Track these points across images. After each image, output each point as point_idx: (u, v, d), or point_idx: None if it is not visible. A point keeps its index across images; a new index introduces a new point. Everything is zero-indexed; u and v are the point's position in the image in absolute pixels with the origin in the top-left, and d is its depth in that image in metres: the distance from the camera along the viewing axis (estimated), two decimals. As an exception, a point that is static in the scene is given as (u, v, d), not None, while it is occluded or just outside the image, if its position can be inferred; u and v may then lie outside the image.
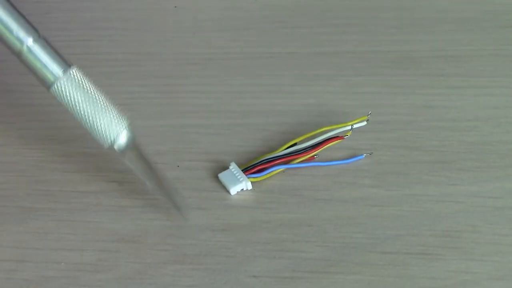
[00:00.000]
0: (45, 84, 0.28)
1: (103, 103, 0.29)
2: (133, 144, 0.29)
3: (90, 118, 0.28)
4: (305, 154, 0.33)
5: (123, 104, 0.38)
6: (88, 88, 0.28)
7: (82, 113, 0.29)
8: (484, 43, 0.43)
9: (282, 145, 0.34)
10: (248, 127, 0.36)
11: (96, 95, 0.29)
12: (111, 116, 0.29)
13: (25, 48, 0.28)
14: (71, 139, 0.36)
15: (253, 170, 0.33)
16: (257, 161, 0.33)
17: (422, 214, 0.31)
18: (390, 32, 0.44)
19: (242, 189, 0.32)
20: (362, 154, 0.34)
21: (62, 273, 0.29)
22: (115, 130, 0.29)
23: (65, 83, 0.28)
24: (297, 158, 0.33)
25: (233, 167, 0.33)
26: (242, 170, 0.33)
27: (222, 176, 0.33)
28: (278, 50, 0.42)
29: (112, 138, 0.29)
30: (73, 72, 0.28)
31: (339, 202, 0.32)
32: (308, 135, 0.34)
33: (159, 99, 0.39)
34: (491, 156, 0.34)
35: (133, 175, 0.34)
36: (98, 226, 0.31)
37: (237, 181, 0.32)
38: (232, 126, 0.36)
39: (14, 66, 0.41)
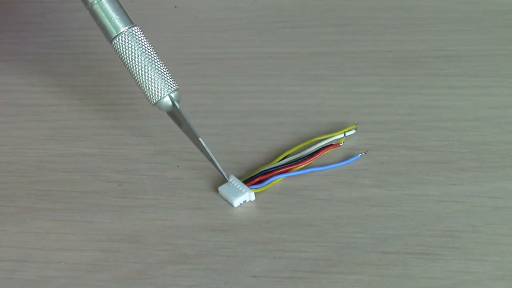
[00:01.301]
0: (109, 36, 0.31)
1: (158, 64, 0.32)
2: (177, 107, 0.32)
3: (144, 74, 0.31)
4: (302, 163, 0.33)
5: (123, 104, 0.39)
6: (147, 47, 0.32)
7: (138, 68, 0.31)
8: (484, 43, 0.43)
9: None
10: (248, 127, 0.36)
11: (153, 55, 0.32)
12: (162, 76, 0.32)
13: (96, 1, 0.31)
14: (71, 139, 0.36)
15: (253, 182, 0.32)
16: (256, 173, 0.33)
17: (422, 214, 0.31)
18: (390, 32, 0.44)
19: (245, 201, 0.32)
20: (357, 154, 0.34)
21: (62, 273, 0.29)
22: (164, 90, 0.32)
23: (127, 37, 0.31)
24: (295, 167, 0.33)
25: (233, 179, 0.32)
26: (242, 182, 0.32)
27: (223, 189, 0.32)
28: (278, 50, 0.43)
29: (159, 96, 0.32)
30: (135, 30, 0.31)
31: (339, 202, 0.32)
32: (300, 146, 0.34)
33: (159, 99, 0.39)
34: (491, 156, 0.34)
35: (133, 175, 0.34)
36: (98, 226, 0.31)
37: (239, 192, 0.32)
38: (232, 126, 0.36)
39: (14, 66, 0.41)
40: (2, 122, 0.37)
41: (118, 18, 0.31)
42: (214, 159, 0.32)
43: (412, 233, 0.30)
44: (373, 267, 0.29)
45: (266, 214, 0.31)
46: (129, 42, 0.31)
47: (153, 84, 0.32)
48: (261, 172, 0.33)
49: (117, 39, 0.31)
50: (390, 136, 0.35)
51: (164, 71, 0.32)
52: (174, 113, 0.32)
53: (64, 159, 0.35)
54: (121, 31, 0.31)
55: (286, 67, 0.41)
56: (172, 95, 0.32)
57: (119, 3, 0.32)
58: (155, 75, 0.31)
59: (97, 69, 0.41)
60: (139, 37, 0.32)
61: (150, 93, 0.32)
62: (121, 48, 0.31)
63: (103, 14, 0.31)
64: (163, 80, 0.32)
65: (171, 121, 0.37)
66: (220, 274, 0.29)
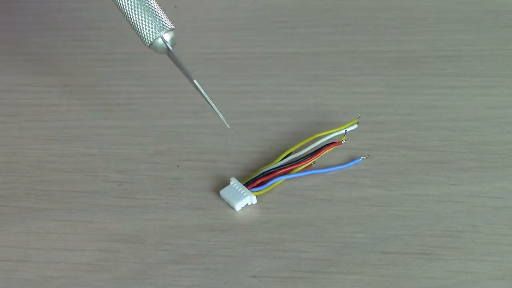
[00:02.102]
0: None
1: (151, 5, 0.31)
2: (172, 48, 0.31)
3: (137, 16, 0.31)
4: (304, 163, 0.33)
5: (123, 104, 0.39)
6: None
7: (131, 10, 0.31)
8: (484, 43, 0.43)
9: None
10: (248, 127, 0.36)
11: None
12: (156, 18, 0.31)
13: None
14: (71, 139, 0.36)
15: (254, 184, 0.32)
16: (257, 174, 0.33)
17: (422, 214, 0.31)
18: (390, 32, 0.44)
19: (247, 204, 0.32)
20: (359, 158, 0.34)
21: (62, 273, 0.29)
22: (157, 31, 0.31)
23: None
24: (296, 168, 0.33)
25: (234, 182, 0.32)
26: (243, 184, 0.32)
27: (224, 192, 0.32)
28: (278, 50, 0.43)
29: (153, 37, 0.31)
30: None
31: (339, 202, 0.32)
32: (302, 143, 0.34)
33: (159, 99, 0.39)
34: (491, 156, 0.34)
35: (133, 175, 0.34)
36: (98, 226, 0.31)
37: (241, 196, 0.32)
38: (232, 126, 0.36)
39: (14, 66, 0.41)
40: (2, 122, 0.37)
41: None
42: (211, 102, 0.31)
43: (412, 233, 0.30)
44: (373, 267, 0.29)
45: (266, 214, 0.31)
46: None
47: (146, 26, 0.31)
48: (262, 173, 0.33)
49: None
50: (390, 136, 0.35)
51: (158, 12, 0.31)
52: (170, 55, 0.32)
53: (64, 159, 0.35)
54: None
55: (286, 67, 0.41)
56: (166, 36, 0.31)
57: None
58: (148, 17, 0.31)
59: (97, 69, 0.41)
60: None
61: (144, 35, 0.31)
62: None
63: None
64: (156, 21, 0.31)
65: (171, 121, 0.37)
66: (220, 274, 0.29)
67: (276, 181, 0.32)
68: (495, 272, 0.29)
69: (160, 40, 0.31)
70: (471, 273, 0.29)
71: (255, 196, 0.32)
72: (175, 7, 0.47)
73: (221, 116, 0.32)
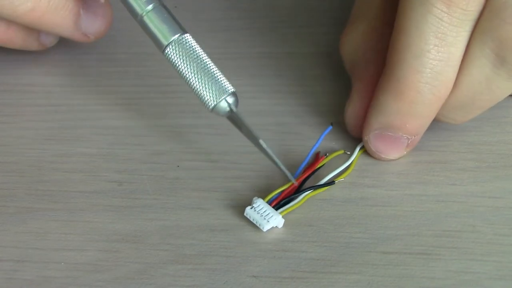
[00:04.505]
0: (160, 47, 0.32)
1: (211, 69, 0.31)
2: (235, 111, 0.32)
3: (198, 81, 0.31)
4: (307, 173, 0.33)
5: (123, 104, 0.39)
6: (199, 53, 0.31)
7: (191, 75, 0.31)
8: (484, 43, 0.43)
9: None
10: (248, 127, 0.36)
11: (205, 61, 0.32)
12: (216, 81, 0.31)
13: (144, 13, 0.31)
14: (71, 139, 0.36)
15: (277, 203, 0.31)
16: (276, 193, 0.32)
17: (422, 214, 0.31)
18: (390, 32, 0.44)
19: (274, 227, 0.31)
20: (329, 126, 0.34)
21: (62, 273, 0.29)
22: (219, 94, 0.31)
23: (177, 46, 0.31)
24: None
25: (259, 203, 0.31)
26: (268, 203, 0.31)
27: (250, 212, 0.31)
28: (278, 50, 0.42)
29: (215, 101, 0.31)
30: (185, 37, 0.31)
31: (339, 202, 0.32)
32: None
33: (159, 99, 0.39)
34: (491, 156, 0.34)
35: (133, 175, 0.34)
36: (98, 226, 0.31)
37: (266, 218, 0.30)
38: (232, 126, 0.36)
39: (15, 66, 0.41)
40: (2, 122, 0.37)
41: (167, 27, 0.31)
42: (278, 161, 0.31)
43: (412, 233, 0.30)
44: (373, 267, 0.29)
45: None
46: (180, 50, 0.31)
47: (207, 90, 0.31)
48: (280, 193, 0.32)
49: (168, 49, 0.31)
50: (390, 136, 0.35)
51: (218, 75, 0.31)
52: (232, 117, 0.32)
53: (64, 159, 0.35)
54: (171, 40, 0.31)
55: (285, 67, 0.41)
56: (229, 99, 0.31)
57: (168, 12, 0.32)
58: (209, 81, 0.31)
59: (97, 69, 0.41)
60: (189, 44, 0.31)
61: (206, 99, 0.31)
62: (173, 57, 0.31)
63: (152, 25, 0.31)
64: (217, 85, 0.31)
65: (171, 121, 0.37)
66: (220, 274, 0.29)
67: (302, 197, 0.32)
68: (495, 272, 0.29)
69: (223, 103, 0.31)
70: (471, 273, 0.29)
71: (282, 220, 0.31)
72: (175, 7, 0.47)
73: (289, 174, 0.31)
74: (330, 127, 0.35)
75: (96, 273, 0.29)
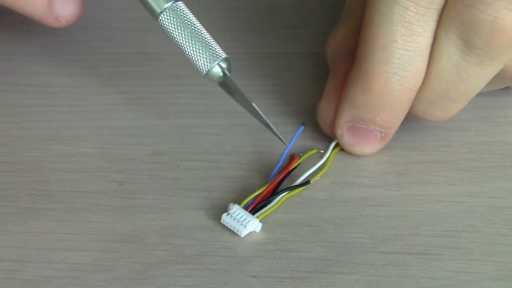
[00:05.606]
0: (153, 14, 0.32)
1: (204, 36, 0.32)
2: (228, 76, 0.32)
3: (191, 47, 0.32)
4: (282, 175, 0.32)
5: (123, 104, 0.38)
6: (191, 20, 0.32)
7: (184, 42, 0.32)
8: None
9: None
10: (248, 127, 0.36)
11: (198, 28, 0.32)
12: (209, 47, 0.32)
13: None
14: (71, 139, 0.36)
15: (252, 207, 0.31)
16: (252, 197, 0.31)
17: (422, 214, 0.31)
18: (390, 32, 0.44)
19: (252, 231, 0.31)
20: (301, 126, 0.35)
21: (62, 273, 0.29)
22: (211, 60, 0.32)
23: (170, 13, 0.32)
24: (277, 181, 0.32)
25: (235, 209, 0.31)
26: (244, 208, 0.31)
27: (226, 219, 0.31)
28: (278, 50, 0.42)
29: (208, 67, 0.32)
30: (178, 5, 0.32)
31: (339, 202, 0.32)
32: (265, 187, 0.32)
33: (159, 99, 0.39)
34: (491, 156, 0.34)
35: (133, 175, 0.34)
36: (98, 226, 0.31)
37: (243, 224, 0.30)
38: (232, 126, 0.36)
39: (15, 66, 0.41)
40: (2, 122, 0.37)
41: None
42: (271, 125, 0.32)
43: (412, 233, 0.30)
44: (373, 267, 0.29)
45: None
46: (173, 17, 0.32)
47: (200, 56, 0.32)
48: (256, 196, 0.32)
49: (162, 16, 0.32)
50: (390, 136, 0.35)
51: (211, 41, 0.32)
52: (225, 83, 0.32)
53: (64, 159, 0.35)
54: (165, 7, 0.32)
55: (285, 67, 0.41)
56: (222, 64, 0.32)
57: None
58: (202, 47, 0.32)
59: (97, 69, 0.41)
60: (182, 11, 0.32)
61: (199, 65, 0.32)
62: (166, 25, 0.32)
63: None
64: (210, 51, 0.32)
65: (171, 121, 0.37)
66: (220, 274, 0.29)
67: (278, 199, 0.31)
68: (495, 272, 0.29)
69: (216, 68, 0.32)
70: (471, 273, 0.29)
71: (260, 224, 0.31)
72: (175, 7, 0.47)
73: (281, 137, 0.33)
74: (302, 127, 0.35)
75: (96, 273, 0.29)
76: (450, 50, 0.30)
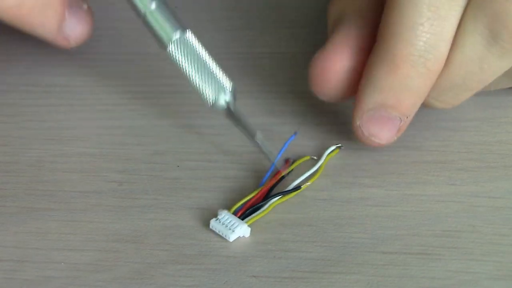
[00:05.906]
0: (162, 46, 0.32)
1: (211, 68, 0.32)
2: (232, 107, 0.32)
3: (197, 79, 0.32)
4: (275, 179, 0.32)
5: (123, 104, 0.39)
6: (199, 52, 0.32)
7: (190, 73, 0.32)
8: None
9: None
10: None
11: (205, 59, 0.32)
12: (215, 80, 0.32)
13: (148, 11, 0.31)
14: (71, 139, 0.36)
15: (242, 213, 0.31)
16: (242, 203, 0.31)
17: (422, 214, 0.31)
18: (390, 32, 0.44)
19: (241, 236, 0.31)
20: (293, 135, 0.34)
21: (62, 273, 0.29)
22: (217, 92, 0.32)
23: (179, 45, 0.32)
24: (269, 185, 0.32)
25: (224, 214, 0.31)
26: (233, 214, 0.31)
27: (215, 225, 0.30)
28: (278, 50, 0.43)
29: (213, 99, 0.32)
30: (187, 36, 0.32)
31: (339, 202, 0.32)
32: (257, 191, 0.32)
33: (159, 99, 0.39)
34: (491, 156, 0.34)
35: (133, 175, 0.34)
36: (98, 226, 0.31)
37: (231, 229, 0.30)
38: (232, 126, 0.36)
39: (15, 66, 0.41)
40: (2, 122, 0.37)
41: (169, 25, 0.31)
42: (271, 158, 0.32)
43: (412, 233, 0.30)
44: (373, 267, 0.29)
45: (266, 214, 0.31)
46: (182, 49, 0.32)
47: (207, 88, 0.32)
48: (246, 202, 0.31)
49: (171, 47, 0.32)
50: (390, 136, 0.35)
51: (217, 72, 0.32)
52: (230, 114, 0.33)
53: (64, 159, 0.35)
54: (174, 39, 0.31)
55: (285, 67, 0.41)
56: (226, 97, 0.32)
57: (169, 9, 0.32)
58: (209, 79, 0.32)
59: (97, 69, 0.41)
60: (191, 42, 0.32)
61: (205, 97, 0.32)
62: (175, 55, 0.32)
63: (155, 23, 0.32)
64: (216, 83, 0.32)
65: (171, 121, 0.37)
66: (220, 274, 0.29)
67: (269, 204, 0.31)
68: (495, 272, 0.29)
69: (221, 101, 0.32)
70: (471, 273, 0.29)
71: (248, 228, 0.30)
72: (176, 7, 0.47)
73: (283, 171, 0.33)
74: (294, 136, 0.34)
75: (96, 273, 0.29)
76: (475, 39, 0.30)
